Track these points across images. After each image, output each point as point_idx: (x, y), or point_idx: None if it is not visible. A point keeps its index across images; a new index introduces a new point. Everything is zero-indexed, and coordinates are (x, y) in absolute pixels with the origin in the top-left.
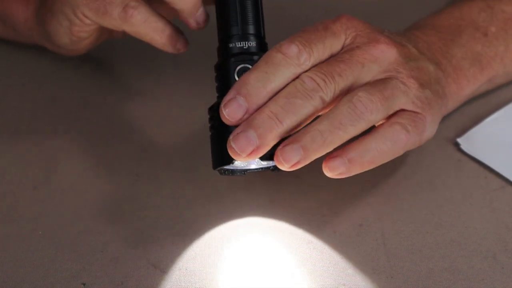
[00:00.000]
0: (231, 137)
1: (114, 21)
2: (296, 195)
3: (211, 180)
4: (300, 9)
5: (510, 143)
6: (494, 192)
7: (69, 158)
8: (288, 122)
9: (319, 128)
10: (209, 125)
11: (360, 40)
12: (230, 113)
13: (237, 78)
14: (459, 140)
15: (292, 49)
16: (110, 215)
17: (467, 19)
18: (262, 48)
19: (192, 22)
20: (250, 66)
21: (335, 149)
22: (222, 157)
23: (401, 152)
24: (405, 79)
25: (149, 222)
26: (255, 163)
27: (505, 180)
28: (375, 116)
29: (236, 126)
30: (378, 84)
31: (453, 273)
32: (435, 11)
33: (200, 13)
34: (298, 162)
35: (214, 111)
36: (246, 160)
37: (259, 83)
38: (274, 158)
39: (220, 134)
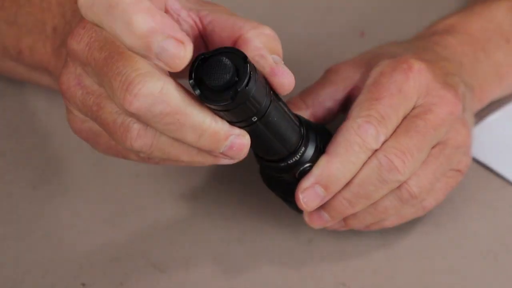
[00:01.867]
0: (305, 216)
1: (138, 161)
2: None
3: (211, 180)
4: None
5: (510, 143)
6: (494, 192)
7: (69, 158)
8: (361, 206)
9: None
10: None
11: (431, 100)
12: (307, 201)
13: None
14: None
15: (370, 132)
16: (110, 215)
17: (495, 22)
18: (305, 143)
19: (219, 160)
20: (308, 168)
21: None
22: None
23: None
24: (462, 143)
25: (149, 222)
26: None
27: (505, 180)
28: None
29: None
30: (449, 163)
31: (453, 273)
32: (464, 9)
33: (227, 149)
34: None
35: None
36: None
37: (340, 174)
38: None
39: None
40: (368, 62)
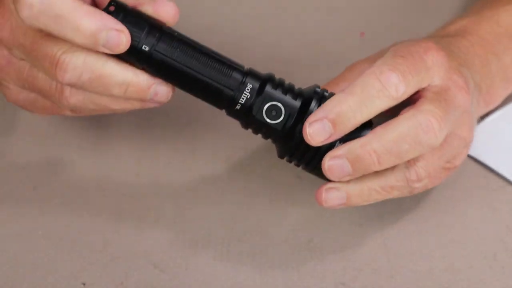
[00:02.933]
0: (327, 157)
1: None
2: (296, 195)
3: (211, 180)
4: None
5: (510, 143)
6: (494, 192)
7: (69, 158)
8: (387, 165)
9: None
10: (296, 164)
11: (448, 82)
12: (312, 134)
13: (271, 121)
14: None
15: (393, 79)
16: (110, 215)
17: (503, 25)
18: (255, 77)
19: (154, 105)
20: (271, 103)
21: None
22: None
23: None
24: (466, 134)
25: (149, 222)
26: None
27: (505, 180)
28: None
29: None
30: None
31: (453, 273)
32: (472, 10)
33: (152, 96)
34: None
35: (289, 156)
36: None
37: (351, 113)
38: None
39: (317, 162)
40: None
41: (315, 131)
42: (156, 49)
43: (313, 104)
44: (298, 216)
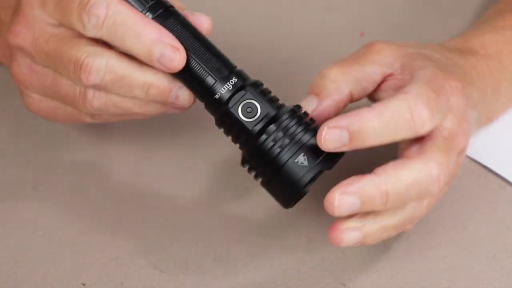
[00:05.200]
0: (337, 193)
1: (91, 122)
2: None
3: (210, 180)
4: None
5: (510, 143)
6: (494, 192)
7: (69, 158)
8: (390, 207)
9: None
10: (253, 175)
11: (458, 130)
12: (328, 138)
13: (246, 119)
14: None
15: (424, 115)
16: (110, 215)
17: (508, 41)
18: (242, 77)
19: (174, 111)
20: (249, 101)
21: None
22: (292, 191)
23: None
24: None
25: (149, 222)
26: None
27: (505, 180)
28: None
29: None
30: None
31: (453, 273)
32: (480, 26)
33: (173, 99)
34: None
35: (250, 161)
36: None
37: (373, 133)
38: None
39: (275, 174)
40: (409, 56)
41: (332, 136)
42: (155, 18)
43: (287, 116)
44: (298, 216)
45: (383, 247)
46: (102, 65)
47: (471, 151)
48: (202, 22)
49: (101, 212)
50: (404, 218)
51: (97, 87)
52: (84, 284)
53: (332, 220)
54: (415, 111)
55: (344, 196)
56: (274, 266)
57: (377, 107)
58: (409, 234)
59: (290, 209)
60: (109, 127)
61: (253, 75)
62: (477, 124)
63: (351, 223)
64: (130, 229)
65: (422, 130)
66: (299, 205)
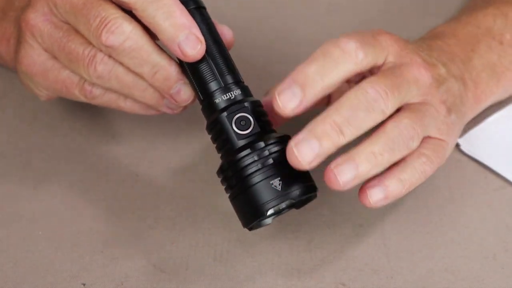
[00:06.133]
0: (292, 143)
1: (78, 98)
2: None
3: (210, 180)
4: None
5: (510, 143)
6: (494, 192)
7: (69, 158)
8: (349, 136)
9: (373, 150)
10: (224, 187)
11: (402, 59)
12: (283, 100)
13: (237, 131)
14: (459, 140)
15: (351, 45)
16: (110, 215)
17: (483, 27)
18: (246, 92)
19: (165, 110)
20: (245, 114)
21: (370, 179)
22: (255, 211)
23: (423, 181)
24: (437, 105)
25: (149, 222)
26: (285, 204)
27: (505, 180)
28: (411, 145)
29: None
30: (418, 110)
31: (453, 273)
32: (451, 19)
33: (175, 91)
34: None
35: (226, 170)
36: (306, 168)
37: (317, 75)
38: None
39: (244, 190)
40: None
41: (286, 97)
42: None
43: (277, 140)
44: (298, 216)
45: (383, 247)
46: (128, 30)
47: (471, 150)
48: (225, 34)
49: (101, 212)
50: (384, 140)
51: (111, 49)
52: (84, 284)
53: (332, 221)
54: (341, 44)
55: (300, 144)
56: (274, 266)
57: (308, 58)
58: (409, 234)
59: (290, 209)
60: (109, 128)
61: (253, 75)
62: (464, 83)
63: (339, 159)
64: (130, 229)
65: (359, 59)
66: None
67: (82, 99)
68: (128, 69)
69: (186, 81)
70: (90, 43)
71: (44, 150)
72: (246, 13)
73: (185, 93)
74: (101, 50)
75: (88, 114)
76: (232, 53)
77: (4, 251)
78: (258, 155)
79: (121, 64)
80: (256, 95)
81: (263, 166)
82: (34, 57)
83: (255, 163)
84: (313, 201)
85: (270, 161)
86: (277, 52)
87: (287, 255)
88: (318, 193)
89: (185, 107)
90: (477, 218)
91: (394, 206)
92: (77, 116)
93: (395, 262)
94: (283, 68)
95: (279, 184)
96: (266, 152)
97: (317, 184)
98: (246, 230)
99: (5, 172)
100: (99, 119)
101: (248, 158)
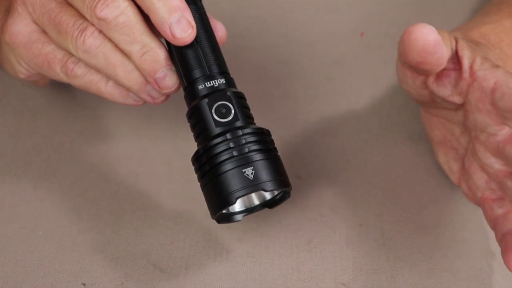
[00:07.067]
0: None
1: (59, 76)
2: (296, 195)
3: None
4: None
5: None
6: None
7: (69, 158)
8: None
9: None
10: (197, 176)
11: None
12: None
13: (216, 118)
14: None
15: None
16: (110, 215)
17: (507, 31)
18: (230, 83)
19: (146, 98)
20: (226, 103)
21: None
22: (223, 199)
23: None
24: None
25: (149, 222)
26: (256, 199)
27: None
28: None
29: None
30: None
31: (453, 273)
32: (477, 19)
33: (161, 76)
34: None
35: (201, 156)
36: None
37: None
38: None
39: (215, 177)
40: None
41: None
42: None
43: (255, 131)
44: (298, 216)
45: (383, 247)
46: (123, 5)
47: None
48: (218, 29)
49: (101, 212)
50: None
51: (103, 22)
52: (84, 284)
53: (333, 221)
54: None
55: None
56: (274, 266)
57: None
58: (409, 234)
59: (290, 209)
60: (109, 128)
61: (253, 75)
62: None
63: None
64: (130, 229)
65: None
66: (299, 205)
67: (63, 77)
68: (117, 47)
69: (173, 68)
70: (82, 16)
71: (44, 150)
72: (246, 14)
73: (170, 79)
74: (92, 24)
75: (88, 114)
76: (232, 54)
77: (4, 251)
78: (235, 142)
79: (111, 40)
80: (256, 95)
81: (238, 154)
82: (21, 26)
83: (229, 150)
84: (313, 201)
85: (246, 149)
86: (277, 52)
87: (287, 255)
88: (318, 193)
89: (167, 97)
90: (477, 218)
91: (394, 206)
92: (77, 116)
93: (395, 262)
94: (283, 68)
95: (252, 173)
96: (243, 141)
97: (310, 181)
98: (246, 229)
99: (5, 172)
100: (99, 119)
101: (224, 144)
